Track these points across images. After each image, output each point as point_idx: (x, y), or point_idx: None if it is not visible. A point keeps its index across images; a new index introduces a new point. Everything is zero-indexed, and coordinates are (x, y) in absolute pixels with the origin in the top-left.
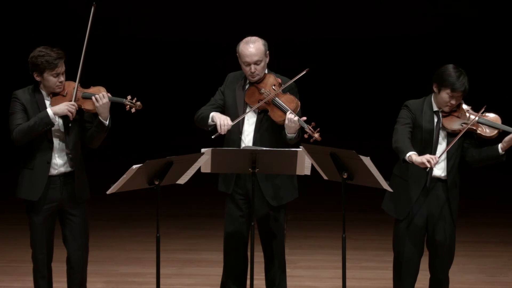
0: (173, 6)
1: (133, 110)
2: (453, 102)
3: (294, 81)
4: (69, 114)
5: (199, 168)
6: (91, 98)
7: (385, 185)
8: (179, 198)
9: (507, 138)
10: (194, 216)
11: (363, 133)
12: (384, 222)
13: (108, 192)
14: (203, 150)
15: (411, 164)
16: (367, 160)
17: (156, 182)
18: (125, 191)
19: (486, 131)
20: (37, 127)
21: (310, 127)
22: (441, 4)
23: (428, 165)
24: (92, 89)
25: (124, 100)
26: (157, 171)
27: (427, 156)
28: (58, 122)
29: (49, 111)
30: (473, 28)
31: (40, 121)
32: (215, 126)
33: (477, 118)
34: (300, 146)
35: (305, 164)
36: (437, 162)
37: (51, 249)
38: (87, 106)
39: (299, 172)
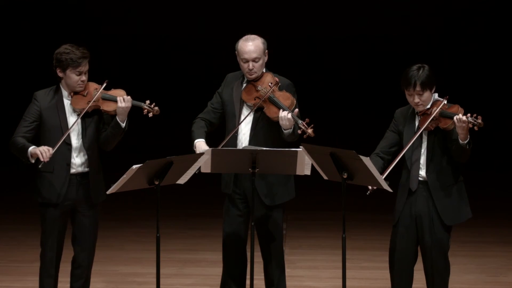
0: (173, 5)
1: (150, 114)
2: (415, 100)
3: (290, 82)
4: (39, 154)
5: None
6: (111, 100)
7: (385, 185)
8: (179, 198)
9: (456, 129)
10: (194, 216)
11: (363, 133)
12: (384, 222)
13: (108, 192)
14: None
15: (403, 169)
16: (367, 160)
17: (156, 182)
18: (125, 191)
19: (448, 123)
20: (20, 154)
21: (304, 123)
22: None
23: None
24: (113, 92)
25: (142, 104)
26: (157, 171)
27: None
28: (78, 122)
29: (29, 149)
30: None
31: (22, 151)
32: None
33: (435, 112)
34: (300, 146)
35: (305, 164)
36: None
37: (61, 248)
38: (106, 107)
39: (299, 172)
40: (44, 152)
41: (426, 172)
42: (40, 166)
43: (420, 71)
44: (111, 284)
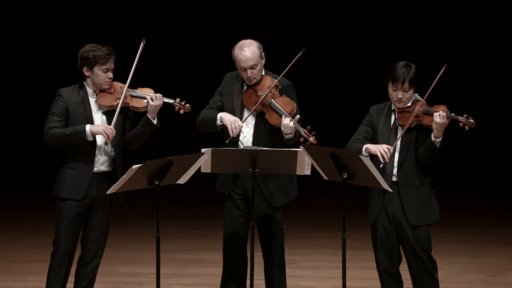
0: (170, 8)
1: (181, 111)
2: (399, 96)
3: (290, 82)
4: (105, 135)
5: (199, 168)
6: (140, 97)
7: (385, 185)
8: (179, 198)
9: (433, 124)
10: (194, 216)
11: None
12: None
13: (108, 192)
14: (203, 150)
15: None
16: (367, 160)
17: (156, 182)
18: (125, 191)
19: (432, 120)
20: (71, 139)
21: (305, 131)
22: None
23: (382, 160)
24: (140, 90)
25: (173, 101)
26: (157, 171)
27: (382, 147)
28: (103, 120)
29: (87, 127)
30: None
31: (75, 134)
32: (223, 126)
33: (418, 110)
34: (300, 146)
35: (305, 164)
36: (390, 156)
37: (74, 248)
38: (135, 104)
39: (299, 172)
40: (110, 133)
41: (398, 171)
42: (106, 147)
43: (409, 69)
44: (111, 284)
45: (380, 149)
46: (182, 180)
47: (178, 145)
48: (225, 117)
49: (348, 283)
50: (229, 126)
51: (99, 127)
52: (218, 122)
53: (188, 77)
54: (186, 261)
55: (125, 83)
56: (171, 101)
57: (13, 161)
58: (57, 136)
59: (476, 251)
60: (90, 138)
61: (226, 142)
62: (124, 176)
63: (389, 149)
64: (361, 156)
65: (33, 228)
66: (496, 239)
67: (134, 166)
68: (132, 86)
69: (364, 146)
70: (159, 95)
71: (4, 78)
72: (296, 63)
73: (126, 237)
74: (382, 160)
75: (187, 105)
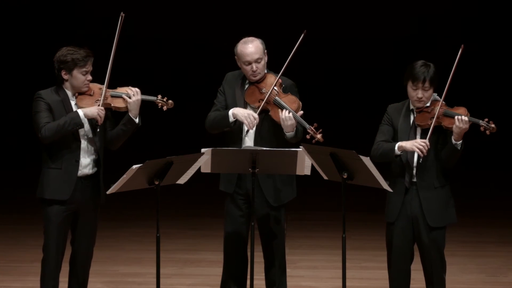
0: (172, 6)
1: (165, 108)
2: (419, 95)
3: (293, 82)
4: (98, 118)
5: (199, 168)
6: (120, 97)
7: (385, 186)
8: (179, 198)
9: (453, 127)
10: (194, 216)
11: (363, 133)
12: (384, 222)
13: (108, 192)
14: (203, 150)
15: (394, 166)
16: (367, 160)
17: (156, 182)
18: (125, 191)
19: (453, 123)
20: (67, 127)
21: (312, 128)
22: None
23: (421, 155)
24: (120, 89)
25: (155, 98)
26: (157, 171)
27: (418, 142)
28: (85, 123)
29: (80, 112)
30: (473, 28)
31: (70, 121)
32: (235, 122)
33: (438, 111)
34: (300, 146)
35: (305, 164)
36: (428, 148)
37: (64, 251)
38: (117, 104)
39: (299, 172)
40: (102, 115)
41: (416, 172)
42: (98, 130)
43: (429, 68)
44: (111, 284)
45: (415, 144)
46: (182, 180)
47: (178, 145)
48: (238, 113)
49: (348, 283)
50: (245, 121)
51: (92, 109)
52: (231, 119)
53: (185, 76)
54: (186, 261)
55: (101, 83)
56: (153, 98)
57: (13, 161)
58: (53, 128)
59: (476, 251)
60: (86, 122)
61: (246, 134)
62: (124, 176)
63: (425, 143)
64: (361, 156)
65: (33, 228)
66: (496, 239)
67: (134, 166)
68: (111, 86)
69: (397, 145)
70: (136, 89)
71: None
72: (299, 58)
73: (126, 237)
74: (421, 155)
75: (170, 101)
